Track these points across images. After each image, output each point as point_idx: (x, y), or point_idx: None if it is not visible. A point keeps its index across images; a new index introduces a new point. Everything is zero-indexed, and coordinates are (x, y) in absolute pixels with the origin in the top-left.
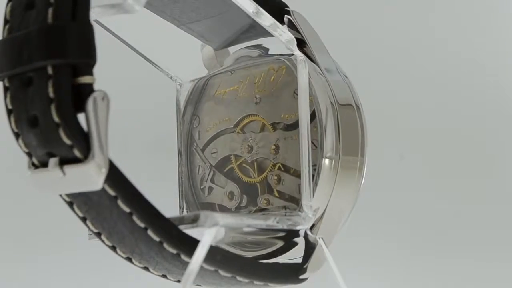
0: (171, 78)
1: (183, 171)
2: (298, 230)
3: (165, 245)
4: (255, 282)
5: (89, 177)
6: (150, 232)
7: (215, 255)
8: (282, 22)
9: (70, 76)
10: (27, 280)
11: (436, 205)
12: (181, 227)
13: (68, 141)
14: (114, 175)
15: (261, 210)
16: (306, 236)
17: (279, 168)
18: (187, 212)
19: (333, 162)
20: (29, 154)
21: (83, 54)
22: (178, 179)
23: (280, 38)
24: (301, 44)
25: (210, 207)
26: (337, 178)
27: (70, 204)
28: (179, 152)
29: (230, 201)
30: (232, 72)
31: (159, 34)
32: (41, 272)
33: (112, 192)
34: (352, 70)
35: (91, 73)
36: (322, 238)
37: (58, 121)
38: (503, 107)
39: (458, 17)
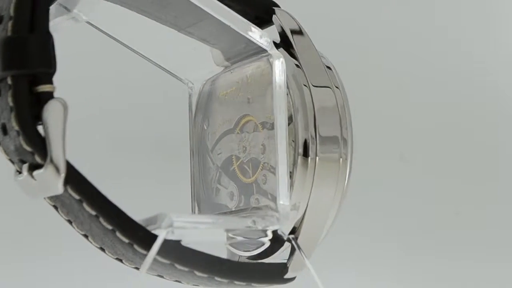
0: (182, 81)
1: (195, 173)
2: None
3: (135, 246)
4: (235, 282)
5: (49, 181)
6: (118, 234)
7: (174, 250)
8: (270, 21)
9: (27, 86)
10: (27, 280)
11: (436, 205)
12: (149, 228)
13: (28, 148)
14: (76, 179)
15: (242, 210)
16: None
17: (265, 167)
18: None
19: (309, 160)
20: (11, 161)
21: (41, 64)
22: (190, 181)
23: (253, 39)
24: (287, 42)
25: (220, 207)
26: (315, 177)
27: (55, 208)
28: (192, 154)
29: (231, 201)
30: (232, 71)
31: (166, 38)
32: (41, 272)
33: (76, 196)
34: (352, 70)
35: (50, 82)
36: (293, 238)
37: (17, 129)
38: (504, 107)
39: (459, 16)
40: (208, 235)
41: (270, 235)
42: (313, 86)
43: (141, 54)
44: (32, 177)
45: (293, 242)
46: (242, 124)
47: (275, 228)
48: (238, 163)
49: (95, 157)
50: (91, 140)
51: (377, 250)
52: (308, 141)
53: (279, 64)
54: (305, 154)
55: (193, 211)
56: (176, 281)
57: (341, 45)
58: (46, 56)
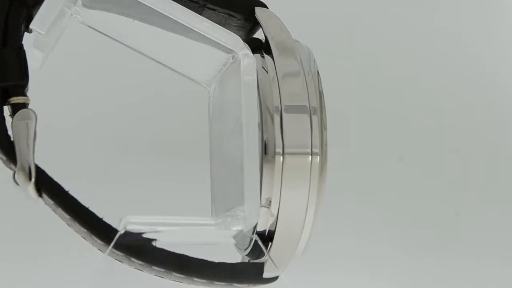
0: (200, 84)
1: (213, 176)
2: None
3: (94, 237)
4: (215, 282)
5: (23, 187)
6: (94, 236)
7: (132, 245)
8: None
9: (0, 98)
10: (27, 281)
11: (436, 205)
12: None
13: (3, 157)
14: (48, 185)
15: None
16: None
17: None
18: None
19: (275, 159)
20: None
21: (13, 77)
22: (210, 184)
23: (219, 41)
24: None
25: (228, 207)
26: (283, 177)
27: (53, 210)
28: (210, 156)
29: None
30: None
31: (182, 44)
32: (41, 273)
33: (51, 201)
34: (352, 70)
35: (22, 94)
36: (256, 237)
37: None
38: (504, 107)
39: (459, 15)
40: (183, 237)
41: (234, 234)
42: (285, 85)
43: (162, 63)
44: (16, 183)
45: (258, 241)
46: (239, 124)
47: (239, 228)
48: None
49: (103, 159)
50: (95, 141)
51: (376, 250)
52: (273, 141)
53: (245, 63)
54: (269, 153)
55: (212, 214)
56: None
57: (341, 45)
58: (18, 69)
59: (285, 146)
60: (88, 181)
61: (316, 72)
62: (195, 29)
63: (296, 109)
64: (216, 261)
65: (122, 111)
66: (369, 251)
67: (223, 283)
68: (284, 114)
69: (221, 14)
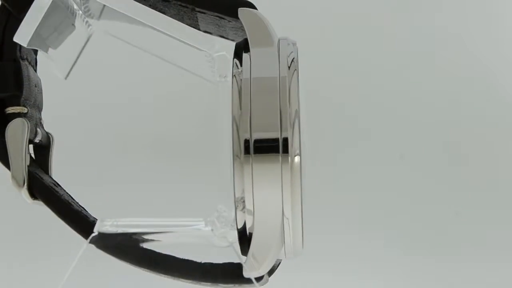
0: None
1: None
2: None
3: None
4: (202, 282)
5: (18, 192)
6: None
7: (113, 243)
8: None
9: None
10: (28, 281)
11: (436, 205)
12: None
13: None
14: (40, 190)
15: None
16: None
17: None
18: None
19: (241, 158)
20: None
21: (9, 88)
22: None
23: (192, 44)
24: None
25: None
26: (254, 179)
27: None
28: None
29: None
30: None
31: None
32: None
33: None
34: (352, 69)
35: (18, 104)
36: (225, 237)
37: None
38: (504, 107)
39: (460, 15)
40: (168, 238)
41: (207, 235)
42: (254, 81)
43: (178, 65)
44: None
45: (232, 247)
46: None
47: (207, 230)
48: None
49: (103, 159)
50: (94, 141)
51: (376, 250)
52: (242, 141)
53: (218, 65)
54: (239, 154)
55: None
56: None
57: (341, 45)
58: (13, 81)
59: (253, 147)
60: (88, 181)
61: (294, 72)
62: (172, 36)
63: (266, 111)
64: (200, 261)
65: (122, 111)
66: (368, 251)
67: (208, 283)
68: (253, 115)
69: (212, 16)
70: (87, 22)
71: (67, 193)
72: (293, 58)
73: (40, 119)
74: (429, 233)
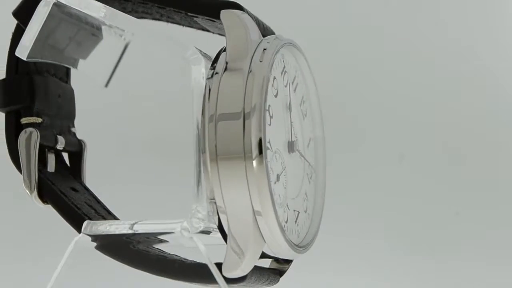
0: None
1: None
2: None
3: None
4: (194, 282)
5: (30, 196)
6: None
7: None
8: None
9: (13, 119)
10: (28, 281)
11: (436, 205)
12: None
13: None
14: (50, 195)
15: None
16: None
17: None
18: None
19: (208, 156)
20: None
21: (24, 100)
22: None
23: (172, 50)
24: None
25: None
26: (220, 175)
27: None
28: None
29: None
30: None
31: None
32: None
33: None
34: (352, 69)
35: (31, 114)
36: (193, 236)
37: (9, 154)
38: (504, 107)
39: (460, 15)
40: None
41: (182, 236)
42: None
43: None
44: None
45: (196, 240)
46: None
47: (176, 228)
48: None
49: (102, 159)
50: (94, 141)
51: (376, 250)
52: (208, 146)
53: (193, 68)
54: (206, 158)
55: None
56: None
57: (341, 45)
58: (26, 93)
59: (218, 151)
60: (88, 181)
61: (268, 73)
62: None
63: (229, 116)
64: (191, 260)
65: (122, 111)
66: (368, 251)
67: (198, 282)
68: (218, 121)
69: (205, 20)
70: (115, 31)
71: (91, 197)
72: (270, 52)
73: (69, 127)
74: (429, 233)
